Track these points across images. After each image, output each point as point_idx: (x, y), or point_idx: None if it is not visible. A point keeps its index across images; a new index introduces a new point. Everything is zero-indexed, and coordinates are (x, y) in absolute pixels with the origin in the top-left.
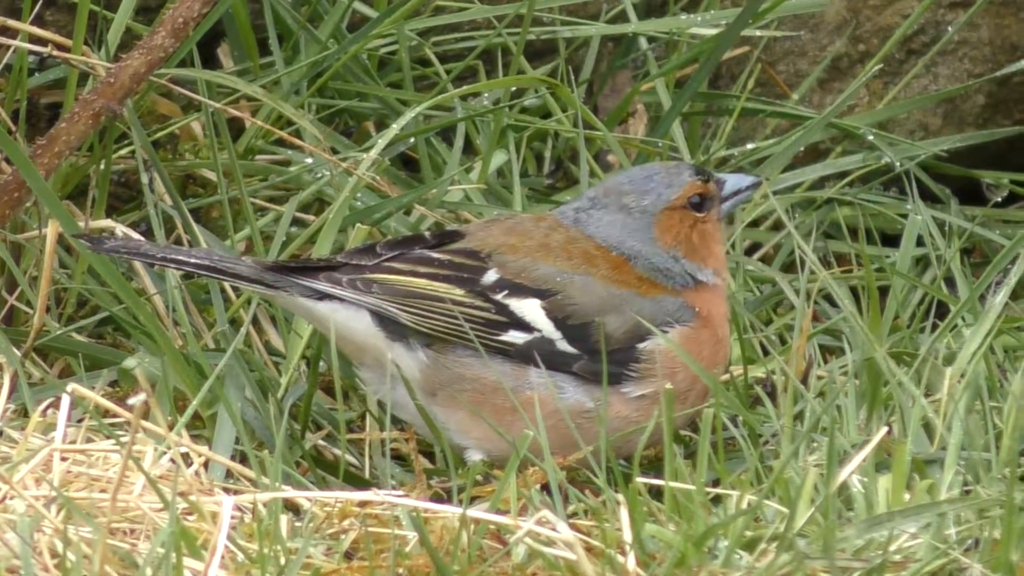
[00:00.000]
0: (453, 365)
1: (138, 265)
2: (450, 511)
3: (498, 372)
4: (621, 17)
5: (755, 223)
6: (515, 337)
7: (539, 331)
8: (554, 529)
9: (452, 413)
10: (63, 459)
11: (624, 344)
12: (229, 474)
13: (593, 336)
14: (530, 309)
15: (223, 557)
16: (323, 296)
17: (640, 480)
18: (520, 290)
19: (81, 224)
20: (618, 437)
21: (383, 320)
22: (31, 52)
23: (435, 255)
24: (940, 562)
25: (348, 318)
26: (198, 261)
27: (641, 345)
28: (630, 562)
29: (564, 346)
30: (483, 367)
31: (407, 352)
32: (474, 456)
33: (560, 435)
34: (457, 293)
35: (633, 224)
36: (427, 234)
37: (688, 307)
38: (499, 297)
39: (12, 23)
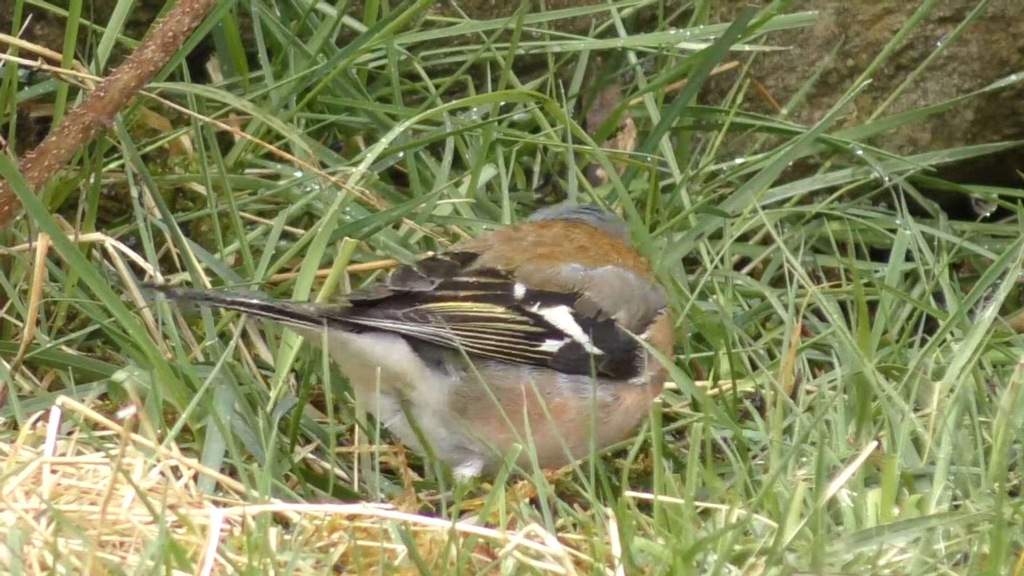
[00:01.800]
0: (487, 379)
1: (127, 277)
2: (439, 524)
3: (531, 381)
4: (610, 32)
5: (744, 237)
6: (550, 346)
7: (569, 336)
8: (543, 543)
9: (481, 427)
10: (53, 472)
11: (636, 331)
12: (218, 487)
13: (612, 334)
14: (560, 317)
15: (212, 570)
16: (362, 330)
17: (629, 494)
18: (549, 299)
19: (71, 237)
20: (612, 447)
21: (419, 346)
22: (21, 66)
23: (463, 278)
24: None
25: (386, 348)
26: (260, 303)
27: (645, 335)
28: None
29: (591, 349)
30: (516, 379)
31: (437, 375)
32: (465, 472)
33: (583, 434)
34: (499, 311)
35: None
36: (446, 256)
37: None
38: (534, 309)
39: (2, 37)
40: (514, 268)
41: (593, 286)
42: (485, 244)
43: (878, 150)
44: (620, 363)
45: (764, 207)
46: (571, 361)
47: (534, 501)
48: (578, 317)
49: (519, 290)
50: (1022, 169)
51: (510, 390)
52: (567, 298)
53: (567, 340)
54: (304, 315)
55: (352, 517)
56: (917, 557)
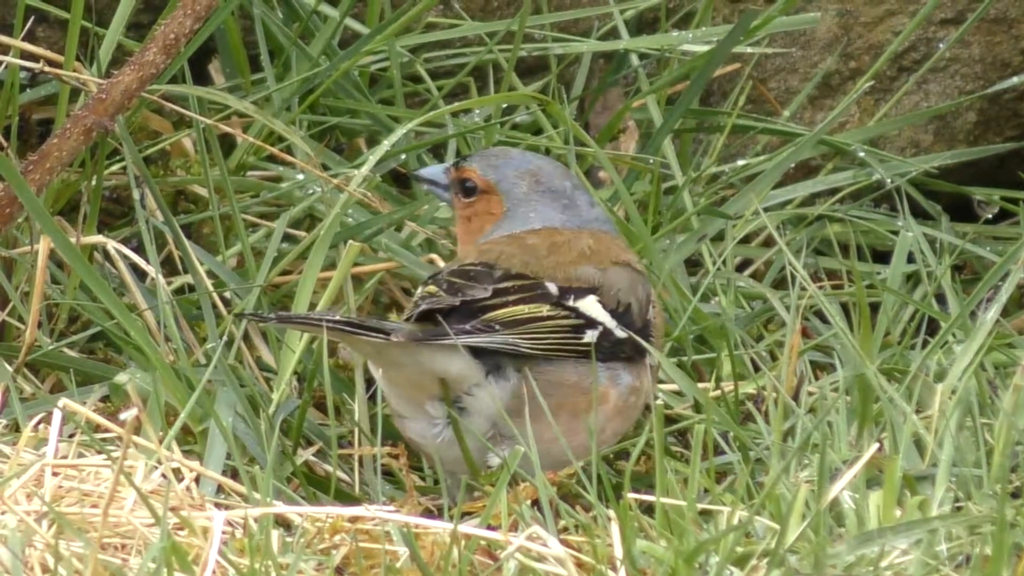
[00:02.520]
0: (539, 376)
1: (129, 280)
2: (441, 527)
3: (575, 373)
4: (612, 34)
5: (746, 239)
6: (590, 336)
7: (601, 324)
8: (545, 545)
9: (534, 424)
10: (54, 474)
11: (643, 317)
12: (220, 489)
13: (630, 318)
14: (592, 305)
15: (214, 572)
16: (423, 340)
17: (631, 496)
18: (579, 292)
19: (73, 240)
20: (612, 449)
21: (479, 353)
22: (23, 68)
23: (504, 284)
24: None
25: (448, 357)
26: (345, 319)
27: (650, 316)
28: None
29: (619, 333)
30: (562, 371)
31: (498, 380)
32: (495, 459)
33: (624, 421)
34: (546, 309)
35: (575, 198)
36: (475, 266)
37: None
38: (570, 303)
39: (4, 39)
40: (539, 271)
41: (607, 282)
42: (498, 253)
43: (880, 152)
44: (638, 344)
45: (766, 209)
46: (605, 348)
47: (536, 503)
48: (605, 305)
49: (552, 288)
50: None
51: (560, 384)
52: (592, 289)
53: (600, 328)
54: (369, 327)
55: (354, 519)
56: (919, 559)
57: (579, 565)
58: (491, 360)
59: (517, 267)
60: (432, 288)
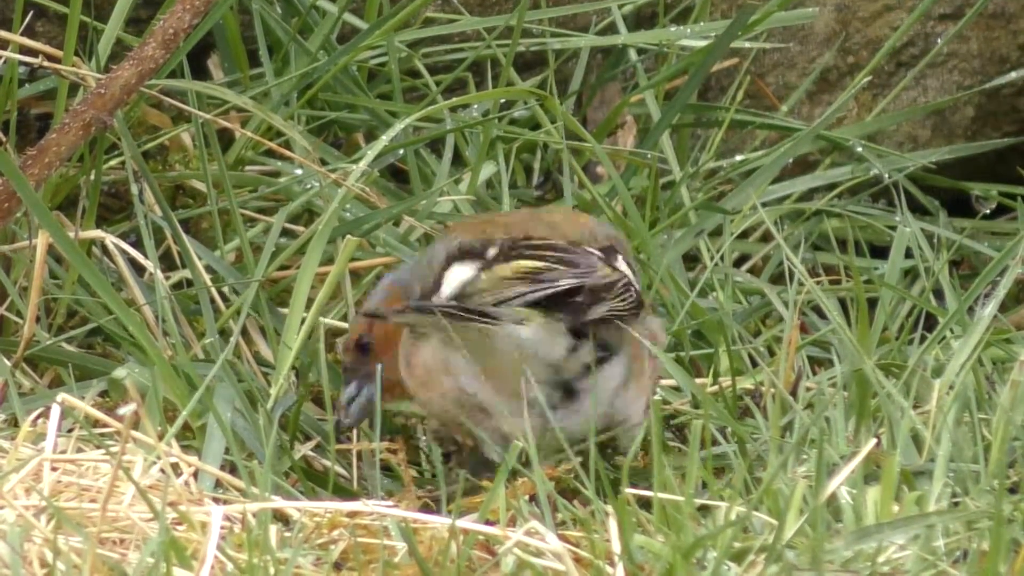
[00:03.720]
0: (633, 344)
1: (127, 275)
2: (439, 521)
3: (640, 334)
4: (610, 29)
5: (744, 235)
6: (633, 295)
7: (635, 286)
8: (543, 540)
9: (633, 392)
10: (53, 469)
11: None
12: (219, 484)
13: (638, 277)
14: (624, 265)
15: (212, 567)
16: (520, 321)
17: (629, 491)
18: (610, 251)
19: (71, 235)
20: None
21: (577, 333)
22: (21, 63)
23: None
24: (929, 574)
25: (550, 336)
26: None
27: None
28: (619, 573)
29: (643, 295)
30: (637, 334)
31: (608, 357)
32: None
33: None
34: (608, 271)
35: None
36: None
37: None
38: (616, 263)
39: (2, 34)
40: (575, 237)
41: (613, 235)
42: (513, 226)
43: (878, 147)
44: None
45: (764, 204)
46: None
47: (534, 498)
48: (630, 265)
49: (595, 251)
50: (1022, 166)
51: (638, 345)
52: (614, 248)
53: (635, 288)
54: (494, 316)
55: (352, 514)
56: (916, 554)
57: (577, 560)
58: (598, 336)
59: (555, 238)
60: (529, 264)
